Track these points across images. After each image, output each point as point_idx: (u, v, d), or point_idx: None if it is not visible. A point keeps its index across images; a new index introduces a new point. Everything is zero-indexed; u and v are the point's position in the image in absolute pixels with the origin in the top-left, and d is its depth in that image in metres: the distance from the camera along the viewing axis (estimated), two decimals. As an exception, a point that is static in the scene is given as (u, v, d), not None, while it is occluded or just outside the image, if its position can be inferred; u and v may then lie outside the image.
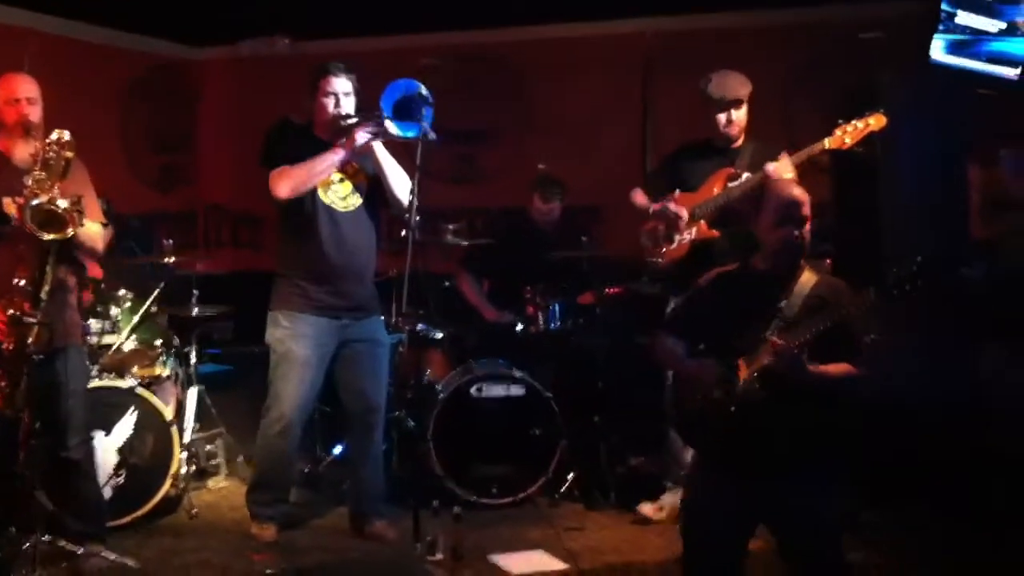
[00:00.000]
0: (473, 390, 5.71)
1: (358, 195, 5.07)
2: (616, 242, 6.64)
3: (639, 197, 5.46)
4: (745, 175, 5.08)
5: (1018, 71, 5.57)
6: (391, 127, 4.81)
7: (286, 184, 4.87)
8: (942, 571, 4.76)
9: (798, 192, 3.85)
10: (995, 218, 5.86)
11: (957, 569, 4.74)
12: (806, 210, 3.81)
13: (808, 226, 3.83)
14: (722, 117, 5.20)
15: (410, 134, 4.78)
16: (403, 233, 4.76)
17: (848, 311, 3.67)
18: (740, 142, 5.26)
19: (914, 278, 3.54)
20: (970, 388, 5.61)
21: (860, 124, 4.76)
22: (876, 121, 4.76)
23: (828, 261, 6.00)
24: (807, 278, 3.84)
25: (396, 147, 5.02)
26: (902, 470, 5.22)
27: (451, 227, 6.20)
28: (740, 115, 5.21)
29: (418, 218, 4.74)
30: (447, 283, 6.61)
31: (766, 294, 3.81)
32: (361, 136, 4.86)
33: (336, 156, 4.90)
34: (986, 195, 5.91)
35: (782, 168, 4.85)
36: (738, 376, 3.74)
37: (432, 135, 4.72)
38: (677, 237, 5.25)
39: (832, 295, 3.78)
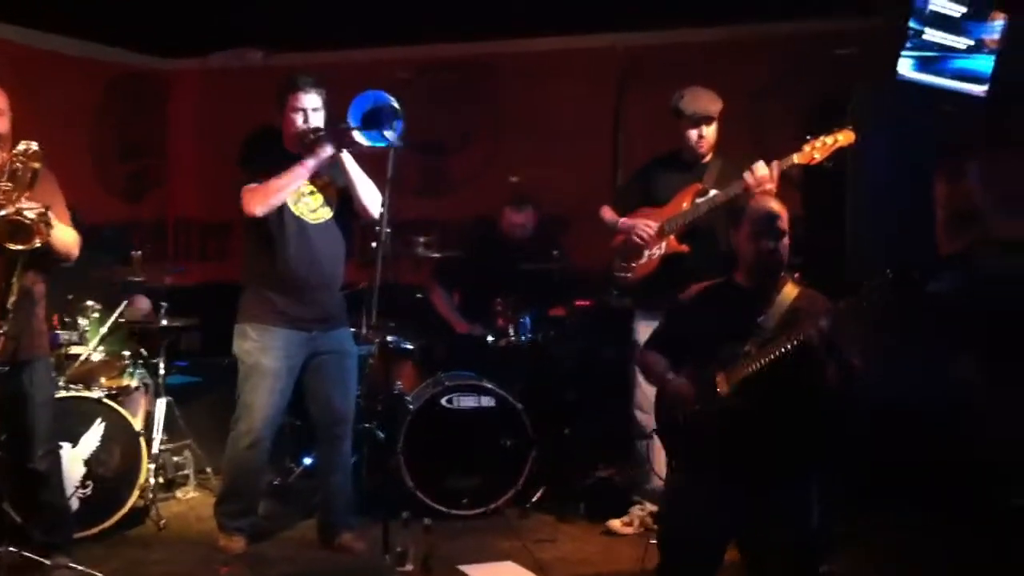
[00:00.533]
0: (444, 401, 5.72)
1: (328, 207, 5.06)
2: (585, 253, 6.66)
3: (607, 213, 5.49)
4: (713, 191, 5.11)
5: (985, 88, 5.63)
6: (359, 137, 4.81)
7: (258, 202, 4.85)
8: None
9: (775, 205, 3.89)
10: (962, 231, 5.91)
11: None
12: (783, 224, 3.85)
13: (786, 239, 3.86)
14: (693, 133, 5.24)
15: (379, 144, 4.78)
16: (373, 245, 4.76)
17: (818, 327, 3.67)
18: (708, 158, 5.30)
19: (885, 291, 3.57)
20: (944, 398, 5.67)
21: (829, 140, 4.80)
22: (845, 137, 4.80)
23: (797, 274, 6.06)
24: (789, 291, 3.87)
25: (367, 160, 5.02)
26: (879, 479, 5.25)
27: (422, 239, 6.21)
28: (710, 131, 5.26)
29: (389, 230, 4.73)
30: (419, 295, 6.61)
31: (747, 308, 3.85)
32: (328, 147, 4.84)
33: (303, 169, 4.88)
34: (952, 209, 5.97)
35: (762, 171, 4.85)
36: (717, 389, 3.76)
37: (397, 143, 4.71)
38: (647, 252, 5.28)
39: (811, 308, 3.80)
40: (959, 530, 5.16)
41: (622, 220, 5.38)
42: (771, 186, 4.82)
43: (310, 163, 4.88)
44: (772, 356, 3.67)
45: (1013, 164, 5.78)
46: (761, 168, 4.86)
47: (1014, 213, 5.71)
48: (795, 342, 3.64)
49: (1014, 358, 5.62)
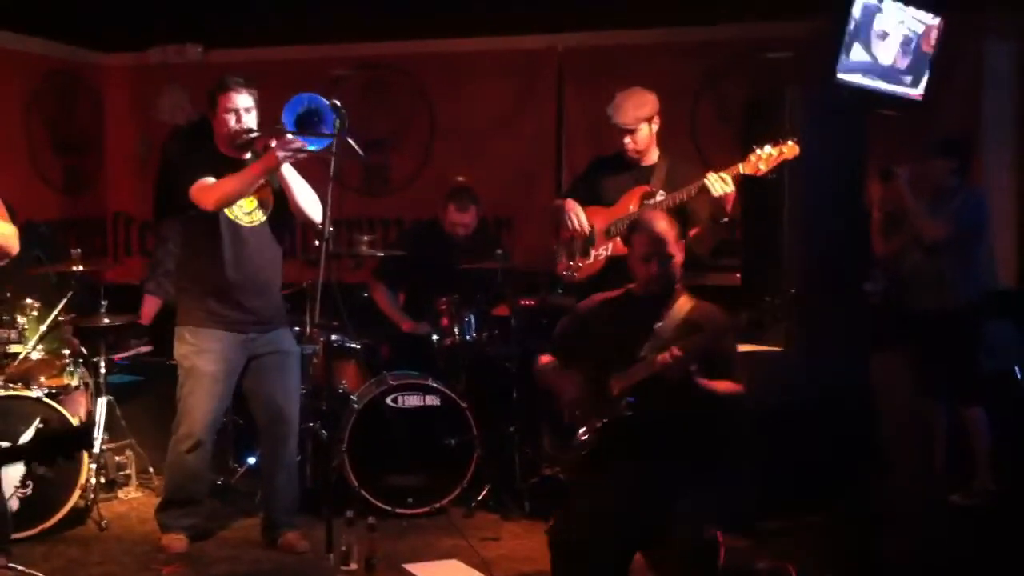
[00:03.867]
0: (389, 400, 5.71)
1: (262, 210, 5.03)
2: (529, 253, 6.69)
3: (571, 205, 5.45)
4: (660, 193, 5.15)
5: (922, 91, 5.73)
6: (303, 145, 4.77)
7: (214, 198, 4.82)
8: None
9: (663, 227, 3.99)
10: (894, 233, 6.04)
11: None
12: (670, 248, 3.97)
13: (677, 259, 4.00)
14: (624, 140, 5.28)
15: (313, 148, 4.76)
16: (316, 243, 4.75)
17: (725, 335, 3.83)
18: (654, 159, 5.33)
19: (781, 309, 3.69)
20: (864, 396, 5.78)
21: (774, 151, 4.81)
22: (789, 150, 4.82)
23: (737, 275, 6.15)
24: (683, 303, 3.98)
25: (305, 158, 4.96)
26: (800, 477, 5.33)
27: (366, 238, 6.19)
28: (639, 137, 5.25)
29: (331, 228, 4.73)
30: (365, 294, 6.59)
31: (642, 317, 3.95)
32: (281, 155, 4.75)
33: (261, 173, 4.83)
34: (886, 211, 6.09)
35: (725, 181, 4.86)
36: (611, 392, 3.83)
37: (359, 150, 4.72)
38: (593, 252, 5.31)
39: (707, 322, 3.92)
40: (889, 527, 5.29)
41: (567, 201, 5.39)
42: (731, 189, 4.86)
43: (264, 168, 4.82)
44: (686, 351, 3.75)
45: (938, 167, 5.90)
46: (728, 187, 4.87)
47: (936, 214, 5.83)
48: (703, 345, 3.75)
49: (937, 358, 5.76)
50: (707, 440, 3.98)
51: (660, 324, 3.91)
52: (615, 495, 3.79)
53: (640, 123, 5.23)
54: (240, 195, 4.88)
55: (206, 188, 4.84)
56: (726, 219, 4.95)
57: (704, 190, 4.87)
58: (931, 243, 5.81)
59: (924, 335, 5.85)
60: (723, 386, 3.90)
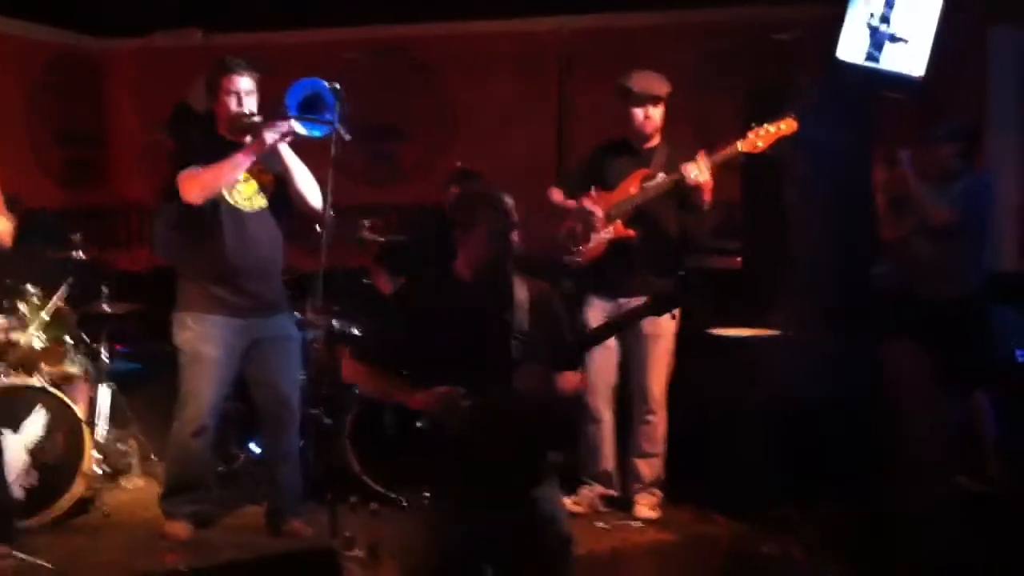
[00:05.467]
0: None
1: (263, 195, 5.03)
2: (531, 239, 6.65)
3: (556, 195, 5.50)
4: (660, 175, 5.15)
5: (922, 71, 5.70)
6: (298, 127, 4.77)
7: (196, 189, 4.80)
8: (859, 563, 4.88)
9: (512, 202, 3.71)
10: (900, 218, 6.00)
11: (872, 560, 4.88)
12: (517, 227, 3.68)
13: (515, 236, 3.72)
14: (639, 112, 5.26)
15: (316, 133, 4.75)
16: (318, 228, 4.74)
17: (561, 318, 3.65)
18: (655, 143, 5.33)
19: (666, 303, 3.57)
20: (875, 385, 5.76)
21: (772, 128, 4.87)
22: (787, 125, 4.86)
23: (739, 259, 6.13)
24: (519, 284, 3.71)
25: (309, 143, 4.96)
26: (818, 465, 5.33)
27: (367, 223, 6.18)
28: (657, 113, 5.28)
29: (332, 214, 4.72)
30: (365, 280, 6.58)
31: (484, 308, 3.67)
32: (270, 137, 4.78)
33: (245, 158, 4.83)
34: (891, 196, 6.06)
35: (701, 169, 4.90)
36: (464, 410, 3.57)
37: (345, 134, 4.68)
38: (594, 236, 5.30)
39: (545, 307, 3.70)
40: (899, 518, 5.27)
41: (570, 202, 5.38)
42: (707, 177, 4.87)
43: (251, 153, 4.82)
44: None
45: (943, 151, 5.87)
46: (702, 175, 4.89)
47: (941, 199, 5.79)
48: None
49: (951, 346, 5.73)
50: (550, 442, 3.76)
51: (514, 319, 3.58)
52: (469, 514, 3.56)
53: (663, 95, 5.25)
54: (225, 183, 4.85)
55: (189, 178, 4.81)
56: (705, 207, 4.97)
57: (682, 177, 4.89)
58: (938, 228, 5.77)
59: (936, 323, 5.79)
60: (571, 383, 3.61)
